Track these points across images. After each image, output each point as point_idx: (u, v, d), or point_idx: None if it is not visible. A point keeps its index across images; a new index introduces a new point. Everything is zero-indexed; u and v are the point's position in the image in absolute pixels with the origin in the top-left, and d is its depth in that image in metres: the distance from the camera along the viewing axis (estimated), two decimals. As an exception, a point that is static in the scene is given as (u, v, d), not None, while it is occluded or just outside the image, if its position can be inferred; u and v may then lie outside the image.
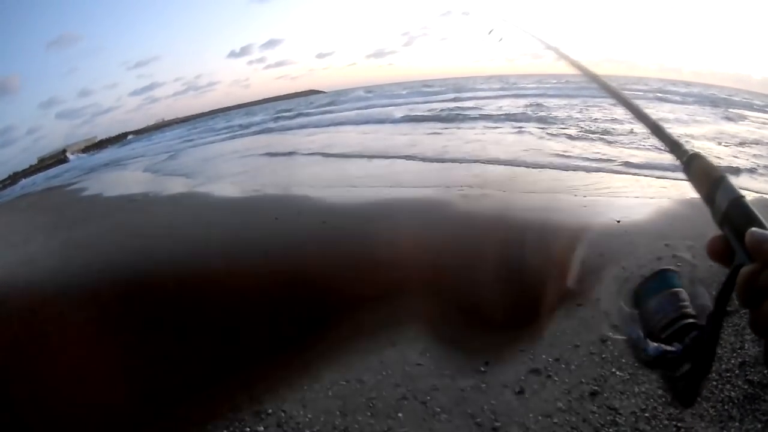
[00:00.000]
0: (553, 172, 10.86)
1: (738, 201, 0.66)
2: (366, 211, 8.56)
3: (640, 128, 1.16)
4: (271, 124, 35.15)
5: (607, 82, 1.10)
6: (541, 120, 19.56)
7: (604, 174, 10.61)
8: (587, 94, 25.14)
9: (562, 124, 18.57)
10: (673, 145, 0.82)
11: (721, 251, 0.67)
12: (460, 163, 12.54)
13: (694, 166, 0.76)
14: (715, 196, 0.69)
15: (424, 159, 13.40)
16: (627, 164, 11.35)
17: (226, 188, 12.79)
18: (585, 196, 8.58)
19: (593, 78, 1.16)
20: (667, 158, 0.85)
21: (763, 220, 0.63)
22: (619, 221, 6.85)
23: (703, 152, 0.76)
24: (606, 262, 5.59)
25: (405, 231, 7.19)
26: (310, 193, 10.37)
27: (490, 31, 1.97)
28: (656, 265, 5.41)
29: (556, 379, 3.90)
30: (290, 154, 17.78)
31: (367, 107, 34.76)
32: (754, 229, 0.62)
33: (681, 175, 0.80)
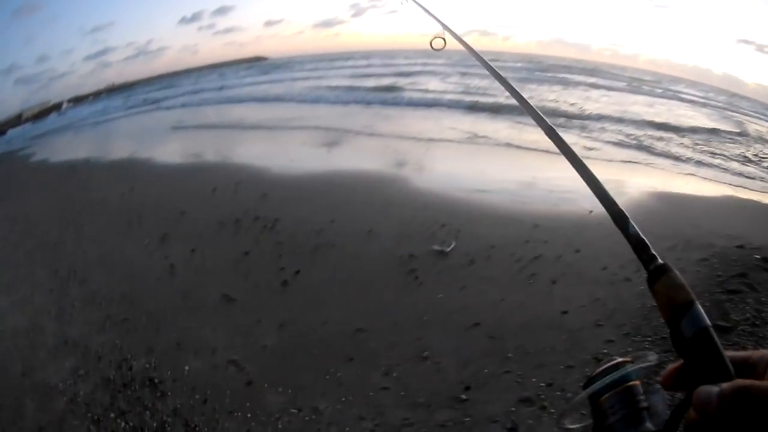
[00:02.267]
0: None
1: (706, 332, 0.61)
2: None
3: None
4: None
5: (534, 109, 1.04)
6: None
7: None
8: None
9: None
10: (639, 247, 0.73)
11: (679, 380, 0.63)
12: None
13: (661, 281, 0.67)
14: (681, 321, 0.62)
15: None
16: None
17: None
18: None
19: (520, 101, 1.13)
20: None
21: (727, 359, 0.58)
22: (591, 211, 6.34)
23: (671, 265, 0.66)
24: (585, 261, 5.12)
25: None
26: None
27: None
28: (636, 266, 5.00)
29: (553, 410, 3.26)
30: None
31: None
32: (702, 387, 0.57)
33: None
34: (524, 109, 1.11)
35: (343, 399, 3.50)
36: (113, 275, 5.71)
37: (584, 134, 13.79)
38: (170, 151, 13.22)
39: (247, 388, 3.69)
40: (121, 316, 4.78)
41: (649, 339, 3.86)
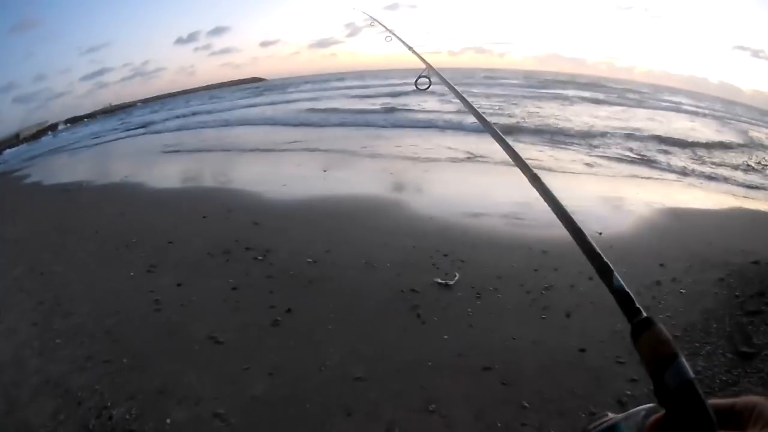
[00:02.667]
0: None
1: (690, 384, 0.60)
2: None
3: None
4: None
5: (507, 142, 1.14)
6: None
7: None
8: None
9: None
10: (624, 301, 0.73)
11: (662, 430, 0.61)
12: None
13: (645, 335, 0.67)
14: (665, 374, 0.62)
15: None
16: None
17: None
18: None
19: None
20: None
21: (711, 412, 0.58)
22: (600, 233, 6.22)
23: (654, 319, 0.66)
24: (599, 290, 4.71)
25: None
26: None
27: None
28: (656, 292, 4.94)
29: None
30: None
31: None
32: None
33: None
34: (510, 157, 1.12)
35: (341, 462, 3.13)
36: (98, 309, 5.33)
37: (586, 150, 13.69)
38: (163, 175, 13.00)
39: (233, 446, 3.32)
40: (104, 356, 4.38)
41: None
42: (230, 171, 12.86)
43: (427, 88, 1.99)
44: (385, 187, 9.46)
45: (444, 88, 1.78)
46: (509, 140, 1.16)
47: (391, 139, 15.67)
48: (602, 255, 0.80)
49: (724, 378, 3.66)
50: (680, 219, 7.32)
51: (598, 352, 3.95)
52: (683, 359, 0.63)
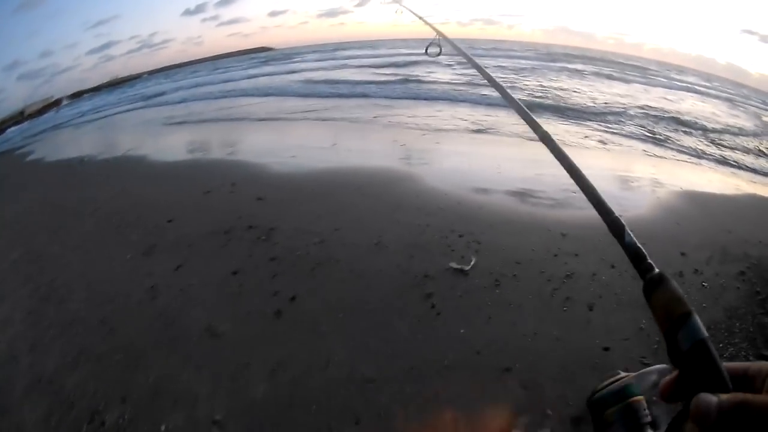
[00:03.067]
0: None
1: (703, 344, 0.59)
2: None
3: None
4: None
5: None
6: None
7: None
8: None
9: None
10: (635, 256, 0.71)
11: (676, 390, 0.62)
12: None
13: (658, 292, 0.66)
14: (678, 333, 0.61)
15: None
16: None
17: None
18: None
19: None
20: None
21: (725, 373, 0.57)
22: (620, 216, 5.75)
23: (669, 276, 0.65)
24: (622, 280, 4.54)
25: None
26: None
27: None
28: (680, 285, 4.45)
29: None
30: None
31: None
32: (701, 396, 0.56)
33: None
34: (519, 114, 1.10)
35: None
36: (94, 295, 5.08)
37: (598, 127, 13.27)
38: (165, 148, 12.74)
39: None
40: (97, 350, 4.13)
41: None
42: (235, 142, 12.48)
43: (438, 54, 2.05)
44: (396, 160, 9.02)
45: (454, 57, 1.78)
46: (517, 99, 1.14)
47: (401, 110, 15.12)
48: (613, 211, 0.77)
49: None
50: (696, 203, 6.94)
51: (623, 352, 3.61)
52: (697, 317, 0.61)
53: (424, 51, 2.06)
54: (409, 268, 4.83)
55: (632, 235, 0.73)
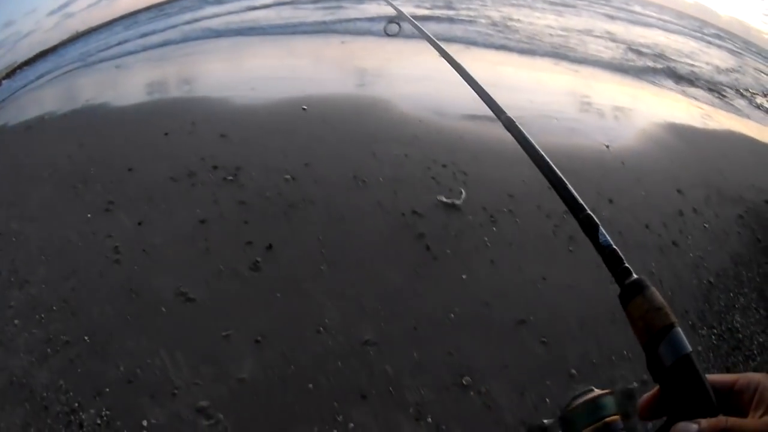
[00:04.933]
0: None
1: (687, 359, 0.55)
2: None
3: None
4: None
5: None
6: None
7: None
8: None
9: None
10: (611, 260, 0.66)
11: (657, 408, 0.59)
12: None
13: (637, 301, 0.60)
14: (659, 347, 0.56)
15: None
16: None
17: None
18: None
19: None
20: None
21: (711, 392, 0.53)
22: (608, 146, 5.82)
23: (648, 281, 0.59)
24: (623, 217, 4.42)
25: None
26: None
27: None
28: (681, 224, 4.60)
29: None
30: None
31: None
32: (680, 424, 0.52)
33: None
34: (482, 99, 1.11)
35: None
36: (54, 271, 4.45)
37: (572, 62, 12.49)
38: (124, 93, 11.67)
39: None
40: (62, 337, 3.63)
41: (715, 332, 3.31)
42: (192, 78, 11.53)
43: (397, 33, 2.03)
44: (361, 85, 8.31)
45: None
46: (481, 83, 1.15)
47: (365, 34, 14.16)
48: (586, 207, 0.73)
49: (761, 340, 3.39)
50: (684, 139, 6.76)
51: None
52: (679, 329, 0.57)
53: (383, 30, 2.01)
54: (395, 205, 4.39)
55: (607, 235, 0.68)
